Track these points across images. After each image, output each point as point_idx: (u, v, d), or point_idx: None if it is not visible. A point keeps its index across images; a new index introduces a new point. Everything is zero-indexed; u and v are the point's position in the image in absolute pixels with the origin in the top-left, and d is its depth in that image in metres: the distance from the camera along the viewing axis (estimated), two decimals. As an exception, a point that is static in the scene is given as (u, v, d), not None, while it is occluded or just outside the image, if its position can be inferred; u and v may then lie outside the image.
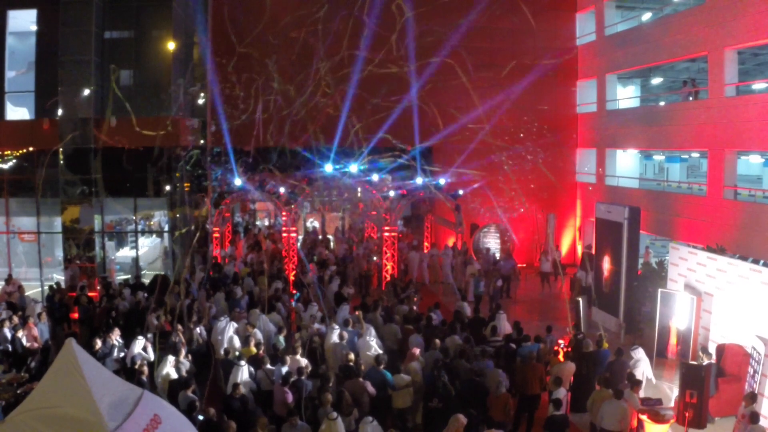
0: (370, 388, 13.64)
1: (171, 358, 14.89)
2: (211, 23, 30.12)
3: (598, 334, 17.06)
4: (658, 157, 41.69)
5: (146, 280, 24.90)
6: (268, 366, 14.83)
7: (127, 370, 15.36)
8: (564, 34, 34.03)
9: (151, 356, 15.89)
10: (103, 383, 8.57)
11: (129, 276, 26.48)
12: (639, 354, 15.86)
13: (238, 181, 27.11)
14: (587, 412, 14.06)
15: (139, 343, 16.10)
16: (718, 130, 23.92)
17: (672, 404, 15.01)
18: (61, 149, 25.54)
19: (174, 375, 14.51)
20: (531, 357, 15.11)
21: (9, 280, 23.34)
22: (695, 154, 40.08)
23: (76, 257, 26.16)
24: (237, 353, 15.40)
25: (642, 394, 14.54)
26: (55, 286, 23.10)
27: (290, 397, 13.19)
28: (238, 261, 27.58)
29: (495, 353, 16.13)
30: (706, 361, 15.09)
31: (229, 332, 17.21)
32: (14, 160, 26.42)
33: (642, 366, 15.79)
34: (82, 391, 8.04)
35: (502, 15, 30.83)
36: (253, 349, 15.78)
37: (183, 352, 15.40)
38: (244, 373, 14.27)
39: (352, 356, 14.94)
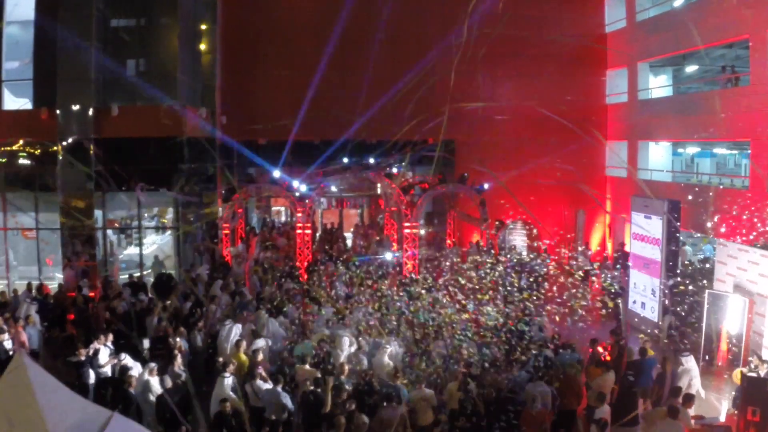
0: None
1: (151, 365, 13.38)
2: (222, 15, 28.89)
3: (643, 340, 15.42)
4: (690, 150, 39.90)
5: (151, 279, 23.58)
6: (258, 382, 13.22)
7: (114, 381, 13.89)
8: (592, 21, 32.44)
9: (138, 367, 14.28)
10: (60, 405, 7.20)
11: (131, 273, 25.04)
12: (690, 363, 14.04)
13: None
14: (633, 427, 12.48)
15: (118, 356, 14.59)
16: (762, 118, 22.18)
17: (723, 419, 13.42)
18: (60, 140, 24.09)
19: (156, 385, 12.94)
20: (571, 367, 13.47)
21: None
22: (724, 150, 38.49)
23: (77, 255, 24.67)
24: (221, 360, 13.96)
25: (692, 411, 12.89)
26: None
27: None
28: (250, 259, 26.18)
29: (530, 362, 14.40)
30: (764, 370, 13.45)
31: (236, 336, 15.68)
32: (11, 152, 24.99)
33: (689, 377, 14.03)
34: (33, 415, 6.70)
35: (527, 1, 29.47)
36: (243, 356, 14.29)
37: (179, 360, 13.87)
38: (228, 385, 12.80)
39: (365, 364, 13.50)
